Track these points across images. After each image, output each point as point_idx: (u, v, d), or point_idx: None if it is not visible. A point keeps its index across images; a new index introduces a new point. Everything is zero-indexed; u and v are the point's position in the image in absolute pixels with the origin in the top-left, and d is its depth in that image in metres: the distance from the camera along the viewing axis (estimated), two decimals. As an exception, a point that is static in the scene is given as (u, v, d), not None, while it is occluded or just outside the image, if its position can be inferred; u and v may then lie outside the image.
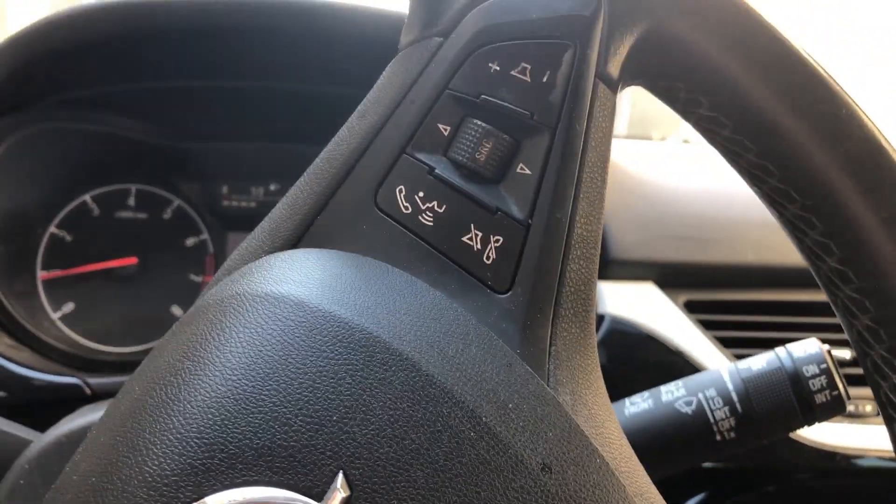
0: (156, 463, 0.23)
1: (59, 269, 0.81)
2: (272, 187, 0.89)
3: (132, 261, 0.83)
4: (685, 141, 1.40)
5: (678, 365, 0.71)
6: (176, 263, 0.85)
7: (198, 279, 0.85)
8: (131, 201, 0.85)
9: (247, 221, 0.88)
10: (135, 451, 0.24)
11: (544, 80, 0.28)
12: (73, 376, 0.69)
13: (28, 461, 0.41)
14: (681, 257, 0.77)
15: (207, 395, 0.24)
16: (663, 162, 1.00)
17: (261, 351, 0.24)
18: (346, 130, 0.31)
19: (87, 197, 0.83)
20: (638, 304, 0.74)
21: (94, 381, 0.69)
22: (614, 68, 0.29)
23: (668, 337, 0.72)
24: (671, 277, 0.77)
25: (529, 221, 0.28)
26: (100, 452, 0.25)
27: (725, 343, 0.75)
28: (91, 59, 0.72)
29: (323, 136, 0.33)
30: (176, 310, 0.84)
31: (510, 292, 0.28)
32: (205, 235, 0.87)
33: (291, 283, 0.27)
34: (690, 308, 0.76)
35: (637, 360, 0.72)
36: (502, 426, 0.24)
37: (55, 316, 0.80)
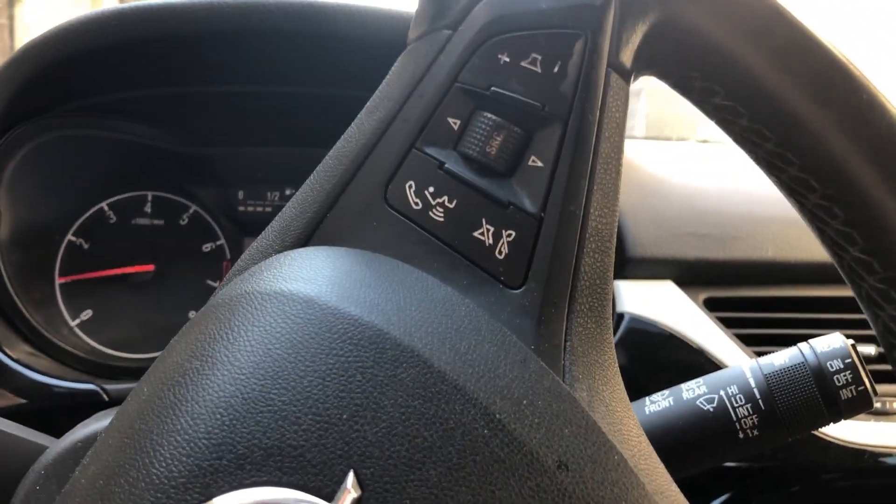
0: (163, 465, 0.23)
1: (77, 276, 0.81)
2: (288, 192, 0.88)
3: (149, 268, 0.83)
4: (703, 141, 1.39)
5: (699, 363, 0.70)
6: (193, 269, 0.85)
7: (215, 284, 0.85)
8: (148, 208, 0.85)
9: (263, 226, 0.86)
10: (142, 452, 0.23)
11: (555, 70, 0.27)
12: (91, 383, 0.69)
13: (44, 466, 0.41)
14: (699, 255, 0.76)
15: (215, 395, 0.23)
16: (681, 161, 0.99)
17: (269, 349, 0.24)
18: (355, 127, 0.30)
19: (103, 204, 0.83)
20: (657, 302, 0.73)
21: (112, 387, 0.69)
22: (627, 57, 0.28)
23: (689, 335, 0.71)
24: (690, 275, 0.76)
25: (542, 215, 0.27)
26: (108, 455, 0.25)
27: (746, 341, 0.73)
28: (106, 65, 0.72)
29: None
30: (193, 315, 0.84)
31: (523, 287, 0.27)
32: (221, 241, 0.87)
33: (301, 280, 0.26)
34: (710, 306, 0.75)
35: (657, 359, 0.71)
36: (517, 423, 0.23)
37: (73, 323, 0.80)
